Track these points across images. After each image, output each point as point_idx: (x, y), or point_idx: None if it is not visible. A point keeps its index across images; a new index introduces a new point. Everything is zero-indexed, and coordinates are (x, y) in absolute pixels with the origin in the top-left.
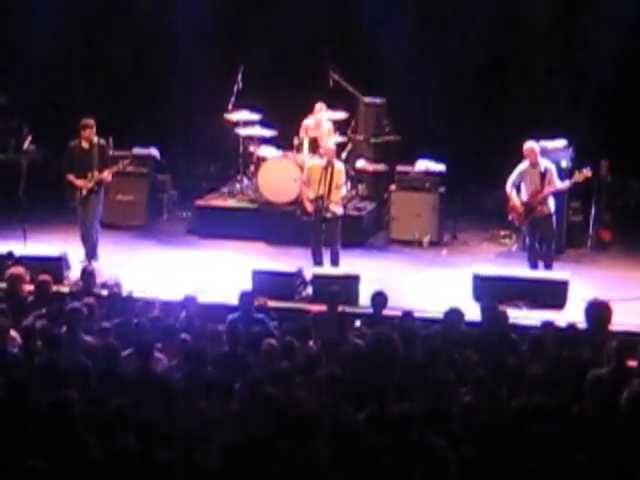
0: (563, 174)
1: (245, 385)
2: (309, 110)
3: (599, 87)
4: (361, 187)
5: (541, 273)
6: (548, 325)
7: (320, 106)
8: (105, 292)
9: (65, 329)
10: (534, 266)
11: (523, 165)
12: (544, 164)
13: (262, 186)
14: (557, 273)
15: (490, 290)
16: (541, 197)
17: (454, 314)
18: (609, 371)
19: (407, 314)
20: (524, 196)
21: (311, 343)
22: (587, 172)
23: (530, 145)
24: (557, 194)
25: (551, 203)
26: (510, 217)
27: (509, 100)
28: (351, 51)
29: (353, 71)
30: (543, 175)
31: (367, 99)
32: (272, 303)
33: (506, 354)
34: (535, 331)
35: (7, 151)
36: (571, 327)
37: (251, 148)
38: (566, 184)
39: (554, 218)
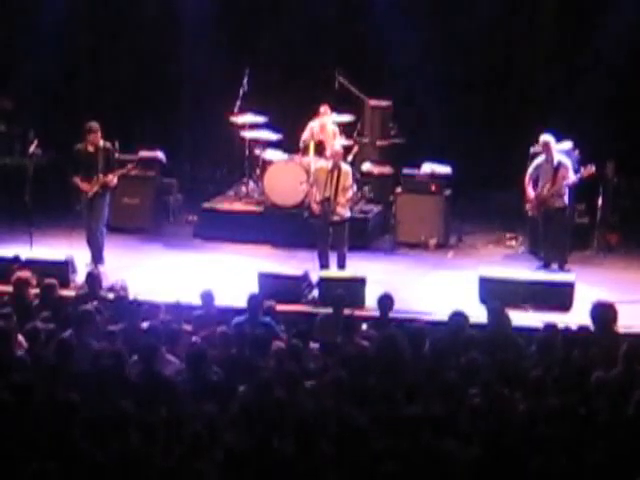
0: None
1: (252, 388)
2: (314, 113)
3: (605, 88)
4: (367, 190)
5: (547, 275)
6: (551, 327)
7: (324, 109)
8: (111, 296)
9: (73, 332)
10: (546, 265)
11: (539, 159)
12: (558, 158)
13: (268, 189)
14: (563, 275)
15: (496, 292)
16: (551, 191)
17: (458, 317)
18: (617, 374)
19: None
20: (538, 189)
21: (313, 345)
22: (591, 168)
23: (545, 139)
24: (571, 188)
25: (565, 196)
26: (526, 207)
27: (515, 102)
28: (357, 54)
29: (359, 74)
30: (556, 169)
31: (373, 102)
32: (279, 307)
33: (512, 356)
34: (539, 333)
35: (13, 155)
36: (583, 329)
37: (257, 151)
38: (575, 178)
39: (567, 211)
